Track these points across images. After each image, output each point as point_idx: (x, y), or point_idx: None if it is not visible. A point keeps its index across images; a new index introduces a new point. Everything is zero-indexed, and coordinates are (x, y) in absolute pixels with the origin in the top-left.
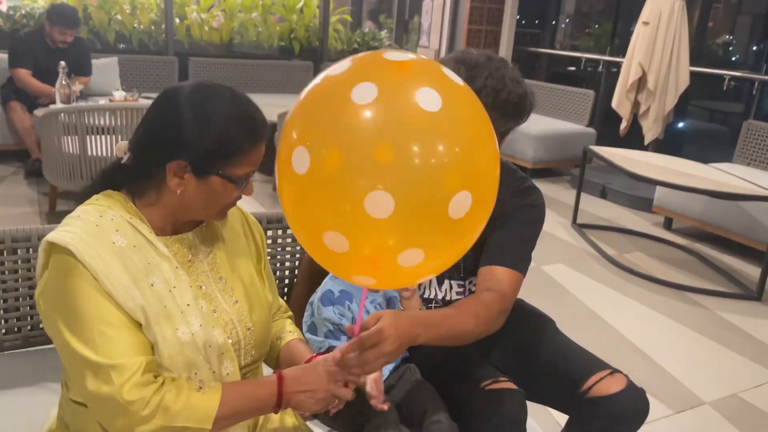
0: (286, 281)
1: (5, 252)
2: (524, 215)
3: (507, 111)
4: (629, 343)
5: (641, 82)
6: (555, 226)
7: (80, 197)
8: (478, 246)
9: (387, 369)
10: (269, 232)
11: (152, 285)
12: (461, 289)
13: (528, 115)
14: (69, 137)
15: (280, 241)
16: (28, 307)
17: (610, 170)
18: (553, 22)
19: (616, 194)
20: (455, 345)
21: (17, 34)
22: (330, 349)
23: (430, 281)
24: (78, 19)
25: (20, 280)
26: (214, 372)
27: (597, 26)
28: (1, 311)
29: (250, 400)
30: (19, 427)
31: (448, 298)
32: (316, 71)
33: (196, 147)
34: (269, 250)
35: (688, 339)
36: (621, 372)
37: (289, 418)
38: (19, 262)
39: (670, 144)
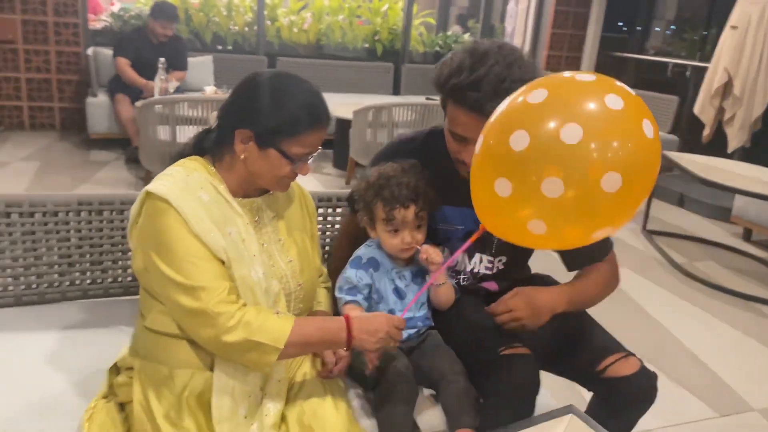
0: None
1: (92, 212)
2: None
3: None
4: (683, 347)
5: (727, 88)
6: (623, 231)
7: (174, 158)
8: None
9: (406, 333)
10: (320, 210)
11: (230, 233)
12: (490, 265)
13: None
14: (162, 126)
15: (330, 218)
16: (110, 262)
17: (689, 178)
18: (644, 27)
19: (694, 203)
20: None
21: (123, 30)
22: (342, 301)
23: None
24: (177, 14)
25: (104, 237)
26: None
27: (688, 31)
28: (88, 264)
29: (321, 332)
30: (92, 358)
31: (476, 270)
32: (397, 73)
33: (263, 122)
34: (320, 226)
35: (748, 348)
36: (635, 356)
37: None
38: (104, 222)
39: (757, 153)
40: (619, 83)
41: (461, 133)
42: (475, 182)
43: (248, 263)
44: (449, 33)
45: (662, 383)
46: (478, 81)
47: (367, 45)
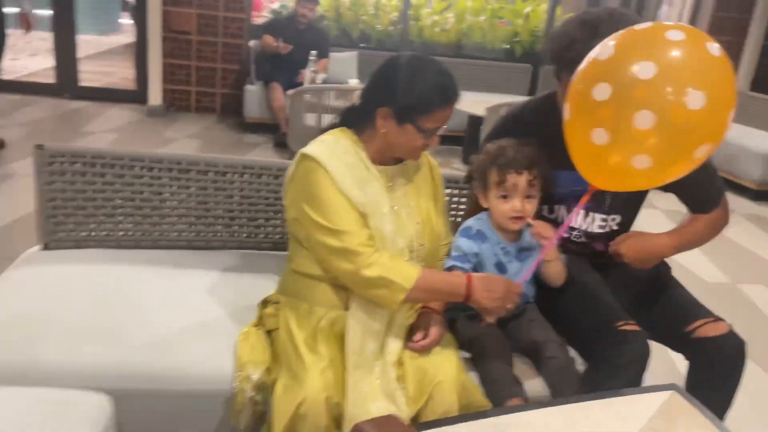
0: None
1: (253, 175)
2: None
3: None
4: None
5: None
6: (766, 247)
7: (324, 130)
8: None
9: None
10: (447, 190)
11: (368, 194)
12: (603, 224)
13: None
14: (310, 114)
15: (455, 200)
16: (263, 219)
17: None
18: None
19: None
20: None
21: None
22: (452, 268)
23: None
24: None
25: (261, 198)
26: None
27: None
28: (245, 219)
29: (445, 282)
30: (245, 295)
31: (590, 230)
32: (535, 74)
33: (401, 101)
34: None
35: None
36: (724, 321)
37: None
38: (262, 185)
39: None
40: (678, 23)
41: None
42: (573, 142)
43: (380, 219)
44: None
45: None
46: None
47: (506, 46)
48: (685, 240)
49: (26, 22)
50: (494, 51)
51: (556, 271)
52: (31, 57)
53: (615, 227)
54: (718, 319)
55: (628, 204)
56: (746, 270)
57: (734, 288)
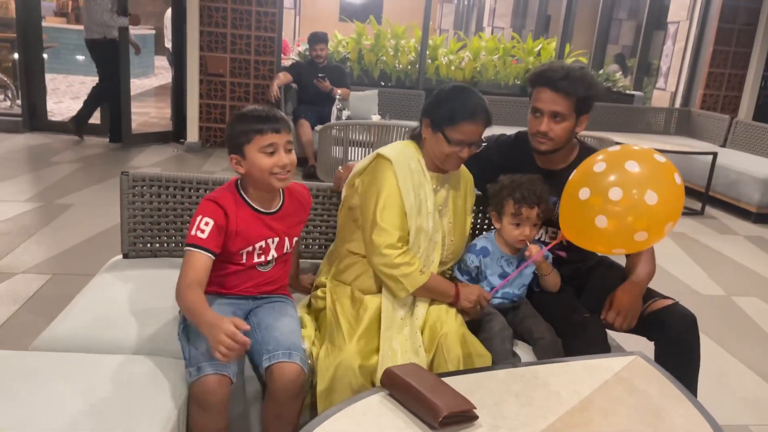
0: None
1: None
2: None
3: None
4: None
5: None
6: (763, 265)
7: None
8: None
9: (500, 301)
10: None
11: (419, 194)
12: (554, 235)
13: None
14: (337, 147)
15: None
16: (317, 233)
17: None
18: None
19: None
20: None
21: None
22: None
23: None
24: (326, 38)
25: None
26: (428, 256)
27: None
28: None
29: (441, 289)
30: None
31: (543, 239)
32: None
33: (435, 112)
34: None
35: None
36: (671, 297)
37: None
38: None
39: None
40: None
41: (539, 106)
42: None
43: (425, 216)
44: (600, 71)
45: None
46: (555, 69)
47: (518, 82)
48: (647, 278)
49: None
50: (507, 87)
51: (552, 280)
52: (74, 99)
53: (565, 243)
54: (666, 297)
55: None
56: (741, 283)
57: (728, 300)
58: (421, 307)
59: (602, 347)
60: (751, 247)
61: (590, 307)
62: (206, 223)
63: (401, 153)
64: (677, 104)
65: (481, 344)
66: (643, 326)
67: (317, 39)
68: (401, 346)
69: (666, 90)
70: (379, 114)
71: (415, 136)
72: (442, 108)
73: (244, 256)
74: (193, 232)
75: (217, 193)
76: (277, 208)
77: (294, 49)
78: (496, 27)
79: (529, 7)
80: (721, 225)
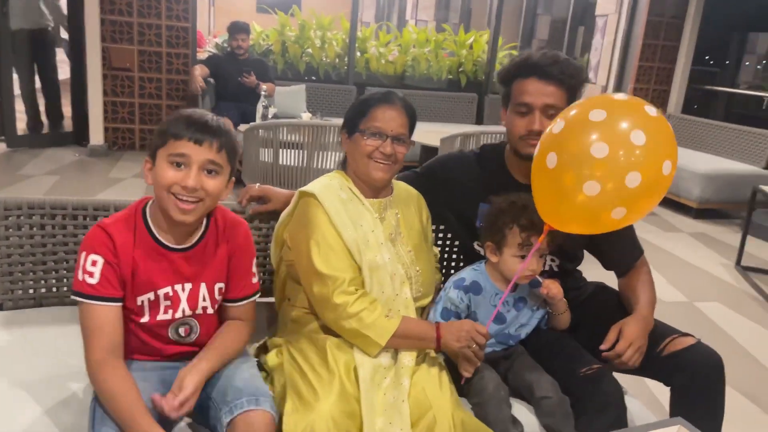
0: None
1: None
2: None
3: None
4: None
5: None
6: (716, 266)
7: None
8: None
9: (493, 346)
10: None
11: (361, 225)
12: (553, 263)
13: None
14: (265, 149)
15: None
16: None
17: None
18: (736, 61)
19: None
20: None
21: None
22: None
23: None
24: (248, 28)
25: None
26: (397, 295)
27: None
28: None
29: (418, 333)
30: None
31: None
32: (481, 103)
33: (347, 116)
34: None
35: None
36: (691, 335)
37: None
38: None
39: None
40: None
41: (528, 101)
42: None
43: (376, 249)
44: None
45: (761, 418)
46: (539, 55)
47: (450, 76)
48: (649, 308)
49: None
50: (439, 81)
51: (565, 320)
52: None
53: (555, 269)
54: (684, 334)
55: (563, 252)
56: (700, 288)
57: (691, 306)
58: (408, 356)
59: (619, 406)
60: (697, 245)
61: (592, 346)
62: (93, 262)
63: (326, 185)
64: None
65: (480, 423)
66: (660, 368)
67: (239, 29)
68: (380, 404)
69: (597, 84)
70: (309, 111)
71: (341, 165)
72: (352, 109)
73: (146, 309)
74: (79, 277)
75: (111, 217)
76: (192, 242)
77: (210, 40)
78: (420, 20)
79: (451, 0)
80: (665, 222)
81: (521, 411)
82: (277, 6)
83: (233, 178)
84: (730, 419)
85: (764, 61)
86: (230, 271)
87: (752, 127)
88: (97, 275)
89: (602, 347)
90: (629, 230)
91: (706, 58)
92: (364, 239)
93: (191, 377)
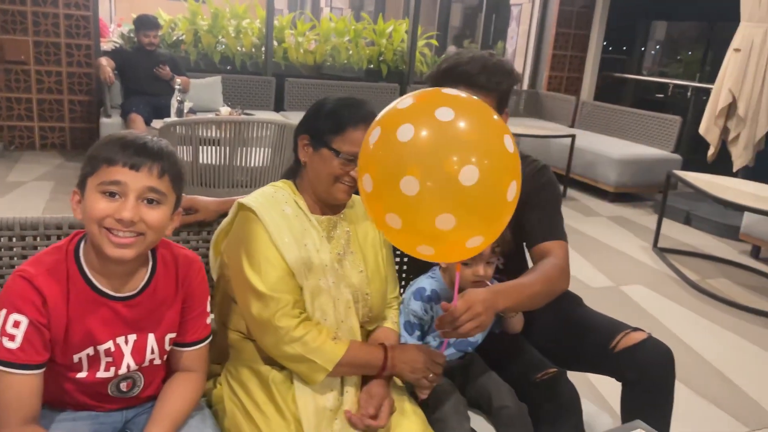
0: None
1: None
2: (548, 193)
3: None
4: (705, 362)
5: (731, 109)
6: (635, 249)
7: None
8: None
9: (449, 357)
10: None
11: (305, 245)
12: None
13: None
14: (183, 147)
15: None
16: None
17: (694, 197)
18: (642, 49)
19: (702, 221)
20: (531, 308)
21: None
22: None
23: None
24: (157, 23)
25: None
26: (342, 321)
27: (688, 53)
28: None
29: (366, 358)
30: None
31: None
32: (402, 93)
33: (316, 124)
34: None
35: None
36: (642, 329)
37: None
38: None
39: (761, 172)
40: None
41: None
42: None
43: (319, 272)
44: (444, 55)
45: (688, 397)
46: (466, 61)
47: (371, 66)
48: (514, 289)
49: None
50: (360, 71)
51: (519, 323)
52: None
53: (500, 266)
54: (635, 329)
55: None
56: (623, 271)
57: (617, 290)
58: (352, 392)
59: (576, 411)
60: (616, 227)
61: (547, 348)
62: (15, 323)
63: (268, 198)
64: (525, 86)
65: None
66: (614, 365)
67: (149, 25)
68: None
69: None
70: (227, 104)
71: (290, 173)
72: (324, 118)
73: (84, 365)
74: None
75: (36, 263)
76: (137, 290)
77: (114, 30)
78: (335, 8)
79: None
80: (584, 207)
81: (480, 423)
82: None
83: (180, 209)
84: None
85: (656, 47)
86: (182, 316)
87: (659, 112)
88: (19, 339)
89: (444, 305)
90: (553, 214)
91: (615, 46)
92: (307, 261)
93: None
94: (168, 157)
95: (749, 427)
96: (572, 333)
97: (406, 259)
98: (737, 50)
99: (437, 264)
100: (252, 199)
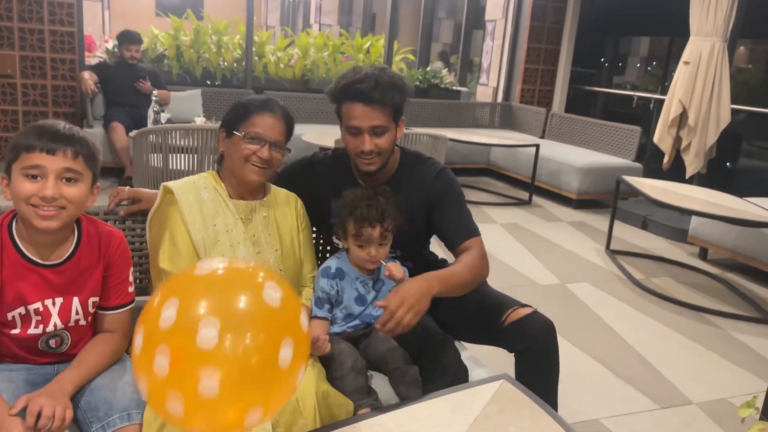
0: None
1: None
2: (453, 194)
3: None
4: (632, 350)
5: (683, 119)
6: (588, 250)
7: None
8: (418, 227)
9: (349, 326)
10: None
11: (215, 225)
12: (394, 256)
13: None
14: (155, 154)
15: None
16: None
17: (652, 203)
18: (606, 64)
19: (657, 225)
20: (461, 294)
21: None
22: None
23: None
24: (139, 38)
25: None
26: None
27: (650, 67)
28: None
29: None
30: None
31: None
32: None
33: (226, 117)
34: None
35: (692, 351)
36: (529, 305)
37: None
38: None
39: (713, 178)
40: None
41: (356, 124)
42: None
43: (226, 248)
44: (428, 69)
45: (610, 379)
46: (361, 79)
47: None
48: (444, 276)
49: None
50: None
51: None
52: None
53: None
54: (523, 305)
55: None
56: (572, 270)
57: (563, 287)
58: None
59: (458, 369)
60: (575, 232)
61: (447, 320)
62: None
63: (190, 182)
64: (499, 99)
65: (340, 394)
66: (503, 337)
67: (132, 39)
68: None
69: (488, 85)
70: (204, 116)
71: (216, 165)
72: (233, 110)
73: (18, 322)
74: None
75: None
76: (63, 258)
77: (102, 45)
78: (324, 24)
79: (354, 5)
80: (547, 213)
81: (378, 382)
82: (175, 9)
83: (98, 184)
84: (591, 388)
85: (630, 62)
86: (105, 283)
87: (625, 123)
88: None
89: (378, 304)
90: (462, 212)
91: (584, 60)
92: (213, 238)
93: (47, 399)
94: (80, 140)
95: (659, 404)
96: (469, 308)
97: (329, 248)
98: (686, 63)
99: (345, 248)
100: (174, 182)
